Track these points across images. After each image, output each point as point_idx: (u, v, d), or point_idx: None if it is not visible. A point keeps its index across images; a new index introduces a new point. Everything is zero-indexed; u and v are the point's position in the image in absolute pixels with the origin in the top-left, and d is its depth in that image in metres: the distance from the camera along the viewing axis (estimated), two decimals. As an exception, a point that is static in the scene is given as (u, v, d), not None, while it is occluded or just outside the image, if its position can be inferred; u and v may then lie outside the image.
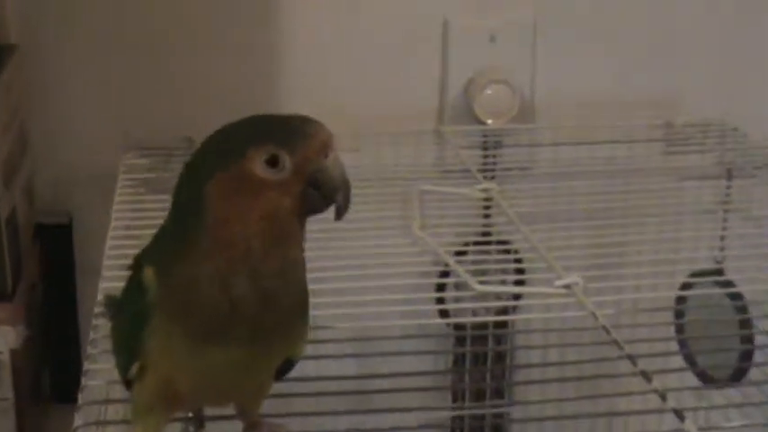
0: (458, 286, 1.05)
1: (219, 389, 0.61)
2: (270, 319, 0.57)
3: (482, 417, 1.15)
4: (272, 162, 0.55)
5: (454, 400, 1.12)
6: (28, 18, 1.10)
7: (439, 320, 1.01)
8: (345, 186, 0.57)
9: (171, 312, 0.57)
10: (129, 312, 0.60)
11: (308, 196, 0.56)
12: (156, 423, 0.61)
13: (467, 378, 1.10)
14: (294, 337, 0.60)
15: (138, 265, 0.60)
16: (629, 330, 0.79)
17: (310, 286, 0.60)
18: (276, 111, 1.11)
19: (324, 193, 0.56)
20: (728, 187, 1.07)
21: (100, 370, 0.69)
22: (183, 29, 1.12)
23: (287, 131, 0.56)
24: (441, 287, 1.08)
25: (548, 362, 0.96)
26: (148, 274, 0.58)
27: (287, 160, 0.55)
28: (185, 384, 0.59)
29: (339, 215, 0.57)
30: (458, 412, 1.12)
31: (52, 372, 1.14)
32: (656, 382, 0.68)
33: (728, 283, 0.98)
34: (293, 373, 0.65)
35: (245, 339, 0.57)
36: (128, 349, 0.60)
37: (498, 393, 1.10)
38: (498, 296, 1.00)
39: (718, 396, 1.02)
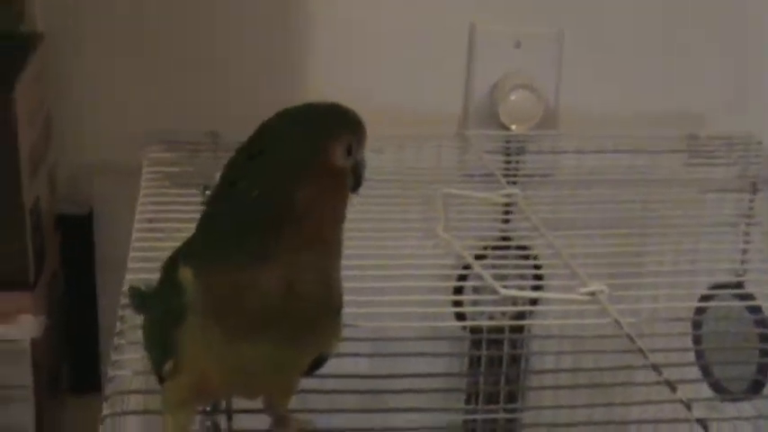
0: (476, 289, 1.05)
1: (252, 384, 0.61)
2: (323, 315, 0.58)
3: (495, 420, 1.15)
4: (349, 151, 0.57)
5: (467, 403, 1.12)
6: (55, 7, 1.10)
7: (456, 323, 1.01)
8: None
9: (213, 312, 0.57)
10: (163, 310, 0.61)
11: (355, 184, 0.59)
12: (187, 416, 0.62)
13: (481, 381, 1.10)
14: (330, 333, 0.61)
15: (172, 264, 0.60)
16: (648, 340, 0.79)
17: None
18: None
19: (360, 175, 0.59)
20: (752, 201, 1.06)
21: (126, 360, 0.69)
22: (209, 23, 1.13)
23: (355, 120, 0.58)
24: (458, 290, 1.08)
25: (561, 368, 0.96)
26: (186, 274, 0.58)
27: (355, 149, 0.57)
28: (218, 380, 0.60)
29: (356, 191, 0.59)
30: (471, 415, 1.12)
31: (70, 363, 1.15)
32: (680, 392, 0.67)
33: (748, 296, 0.97)
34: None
35: (287, 337, 0.57)
36: (161, 346, 0.61)
37: (512, 398, 1.10)
38: (515, 301, 1.00)
39: (731, 408, 1.02)
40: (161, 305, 0.62)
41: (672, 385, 0.68)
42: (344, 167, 0.57)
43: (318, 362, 0.63)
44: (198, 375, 0.59)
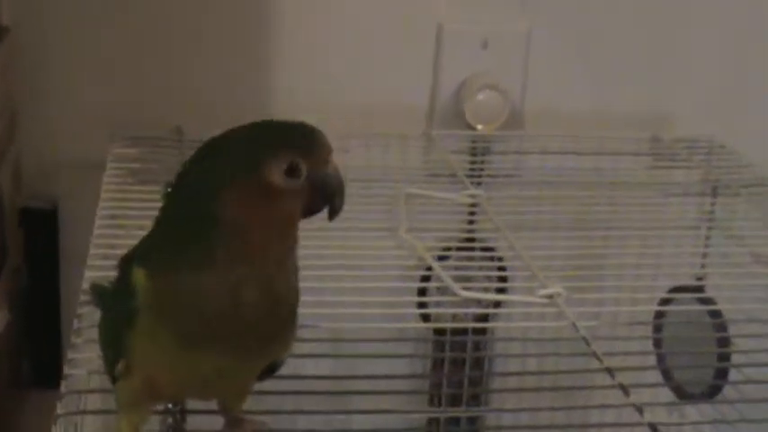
0: (439, 290, 1.06)
1: (204, 389, 0.61)
2: (271, 326, 0.58)
3: (457, 422, 1.16)
4: (291, 170, 0.56)
5: (431, 404, 1.12)
6: (20, 1, 1.10)
7: (419, 324, 1.02)
8: (342, 189, 0.58)
9: (163, 317, 0.57)
10: (117, 311, 0.61)
11: (314, 200, 0.57)
12: (140, 416, 0.62)
13: (444, 383, 1.10)
14: (283, 344, 0.61)
15: (128, 264, 0.60)
16: (607, 343, 0.79)
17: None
18: (265, 108, 1.14)
19: (325, 195, 0.57)
20: (713, 204, 1.07)
21: (82, 359, 0.69)
22: (175, 20, 1.12)
23: (303, 140, 0.57)
24: (422, 291, 1.08)
25: (526, 370, 0.97)
26: (140, 276, 0.58)
27: (304, 168, 0.56)
28: (170, 384, 0.60)
29: (333, 216, 0.59)
30: (433, 415, 1.12)
31: (32, 357, 1.14)
32: (633, 396, 0.68)
33: (708, 301, 0.98)
34: (271, 371, 0.65)
35: (234, 346, 0.57)
36: (114, 347, 0.61)
37: (475, 399, 1.11)
38: (479, 302, 1.01)
39: (692, 411, 1.03)
40: (114, 305, 0.62)
41: (625, 389, 0.68)
42: (283, 187, 0.56)
43: (271, 367, 0.63)
44: (149, 378, 0.59)
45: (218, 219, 0.56)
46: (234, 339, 0.57)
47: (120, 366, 0.60)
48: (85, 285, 0.75)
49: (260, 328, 0.57)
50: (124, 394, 0.61)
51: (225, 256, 0.56)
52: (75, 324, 0.72)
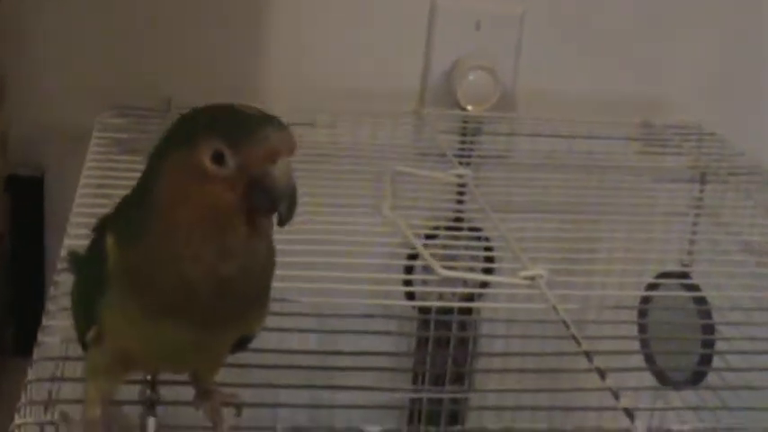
0: (425, 269, 1.05)
1: (175, 360, 0.61)
2: (223, 305, 0.57)
3: (440, 401, 1.16)
4: (217, 158, 0.55)
5: (414, 383, 1.12)
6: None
7: (404, 302, 1.02)
8: (289, 196, 0.55)
9: (127, 285, 0.57)
10: (89, 277, 0.61)
11: (254, 196, 0.55)
12: (110, 385, 0.61)
13: (428, 361, 1.10)
14: (250, 320, 0.61)
15: (102, 229, 0.60)
16: (593, 327, 0.79)
17: (277, 258, 0.60)
18: (255, 82, 1.13)
19: (268, 197, 0.55)
20: (701, 191, 1.07)
21: (58, 327, 0.69)
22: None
23: (237, 130, 0.55)
24: (409, 269, 1.08)
25: (510, 351, 0.97)
26: (110, 242, 0.58)
27: (230, 159, 0.54)
28: (139, 354, 0.59)
29: (281, 223, 0.56)
30: (416, 395, 1.12)
31: (15, 325, 1.14)
32: (612, 381, 0.68)
33: (694, 287, 0.98)
34: (254, 344, 0.65)
35: (196, 322, 0.57)
36: (85, 313, 0.60)
37: (459, 379, 1.11)
38: (465, 282, 1.01)
39: (675, 398, 1.03)
40: (87, 271, 0.61)
41: (602, 372, 0.68)
42: (209, 171, 0.54)
43: (243, 341, 0.63)
44: (119, 346, 0.59)
45: (153, 191, 0.56)
46: (184, 313, 0.56)
47: (91, 333, 0.60)
48: (64, 253, 0.75)
49: (208, 305, 0.56)
50: (94, 362, 0.61)
51: (159, 227, 0.56)
52: (52, 291, 0.72)
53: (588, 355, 0.70)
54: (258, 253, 0.57)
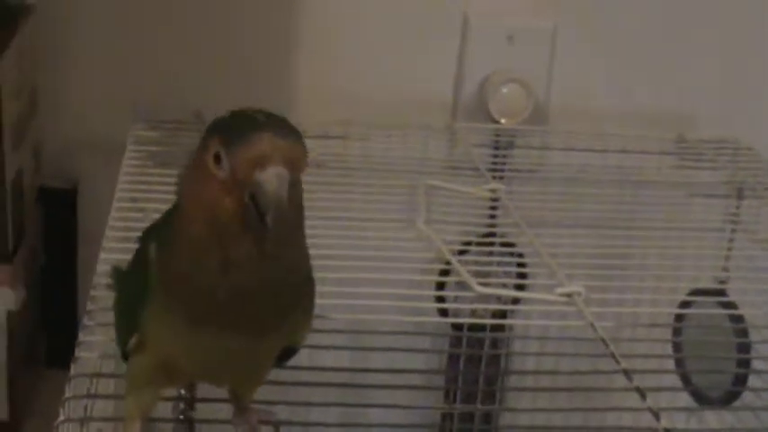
0: (458, 285, 1.05)
1: (218, 371, 0.61)
2: (243, 311, 0.55)
3: (471, 419, 1.15)
4: (216, 159, 0.53)
5: (446, 400, 1.12)
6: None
7: (437, 319, 1.01)
8: (276, 208, 0.52)
9: (163, 291, 0.57)
10: (133, 286, 0.60)
11: (246, 210, 0.53)
12: (149, 399, 0.61)
13: (460, 379, 1.09)
14: (291, 328, 0.60)
15: (145, 237, 0.60)
16: (626, 344, 0.79)
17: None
18: (286, 95, 1.13)
19: (256, 204, 0.53)
20: (738, 207, 1.06)
21: (95, 342, 0.68)
22: (203, 7, 1.12)
23: (234, 131, 0.53)
24: (441, 285, 1.08)
25: (542, 369, 0.96)
26: (151, 249, 0.58)
27: (225, 160, 0.53)
28: (182, 363, 0.59)
29: (268, 237, 0.53)
30: (448, 410, 1.12)
31: (47, 336, 1.14)
32: (650, 400, 0.67)
33: (730, 305, 0.97)
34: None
35: (224, 328, 0.56)
36: (127, 323, 0.60)
37: (490, 397, 1.10)
38: (497, 298, 1.00)
39: (709, 417, 1.02)
40: (132, 280, 0.61)
41: (642, 392, 0.67)
42: (212, 171, 0.53)
43: (288, 353, 0.63)
44: (161, 354, 0.59)
45: (179, 195, 0.57)
46: (215, 318, 0.55)
47: (133, 341, 0.59)
48: (101, 268, 0.75)
49: (228, 310, 0.55)
50: (135, 372, 0.60)
51: (177, 232, 0.56)
52: (89, 306, 0.72)
53: (627, 373, 0.69)
54: (276, 260, 0.55)
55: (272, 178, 0.52)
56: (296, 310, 0.59)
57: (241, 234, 0.53)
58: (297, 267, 0.57)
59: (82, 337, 0.69)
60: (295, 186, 0.54)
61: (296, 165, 0.53)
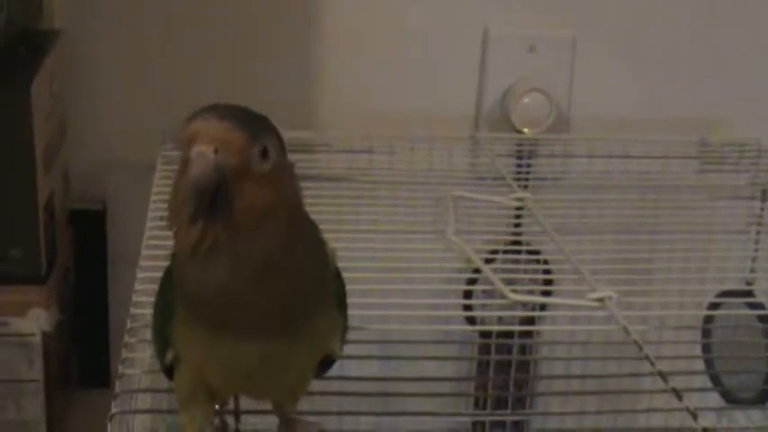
0: (485, 293, 1.06)
1: (253, 382, 0.60)
2: (242, 309, 0.55)
3: (503, 425, 1.15)
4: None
5: (476, 407, 1.12)
6: (72, 4, 1.11)
7: (465, 327, 1.02)
8: (191, 185, 0.52)
9: (182, 299, 0.57)
10: (161, 300, 0.61)
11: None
12: (200, 413, 0.61)
13: (490, 385, 1.10)
14: (319, 333, 0.59)
15: (173, 254, 0.61)
16: (656, 347, 0.79)
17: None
18: (312, 111, 1.14)
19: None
20: (762, 209, 1.06)
21: (137, 359, 0.70)
22: (226, 23, 1.13)
23: (188, 116, 0.54)
24: (467, 293, 1.08)
25: (572, 373, 0.96)
26: (172, 262, 0.58)
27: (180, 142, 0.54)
28: (214, 374, 0.59)
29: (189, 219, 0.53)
30: (479, 418, 1.12)
31: (80, 356, 1.16)
32: (685, 401, 0.68)
33: (758, 305, 0.97)
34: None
35: (239, 329, 0.56)
36: (161, 337, 0.61)
37: (520, 402, 1.10)
38: (525, 305, 1.01)
39: (741, 417, 1.02)
40: (159, 294, 0.62)
41: (678, 393, 0.68)
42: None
43: (326, 363, 0.63)
44: (194, 367, 0.59)
45: None
46: (208, 319, 0.55)
47: (168, 356, 0.60)
48: (139, 286, 0.76)
49: (220, 310, 0.55)
50: (180, 388, 0.61)
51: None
52: (129, 324, 0.73)
53: (663, 375, 0.69)
54: (247, 248, 0.54)
55: (195, 160, 0.52)
56: (310, 309, 0.58)
57: (196, 221, 0.53)
58: (282, 261, 0.55)
59: (125, 353, 0.70)
60: (273, 173, 0.54)
61: (228, 146, 0.53)
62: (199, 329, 0.57)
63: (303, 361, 0.61)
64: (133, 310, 0.74)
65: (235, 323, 0.56)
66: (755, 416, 0.98)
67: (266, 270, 0.54)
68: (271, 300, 0.55)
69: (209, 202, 0.52)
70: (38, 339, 0.99)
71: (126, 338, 0.71)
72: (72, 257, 1.13)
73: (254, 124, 0.54)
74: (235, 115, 0.54)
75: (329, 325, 0.61)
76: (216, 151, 0.52)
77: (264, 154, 0.54)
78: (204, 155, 0.52)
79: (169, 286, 0.59)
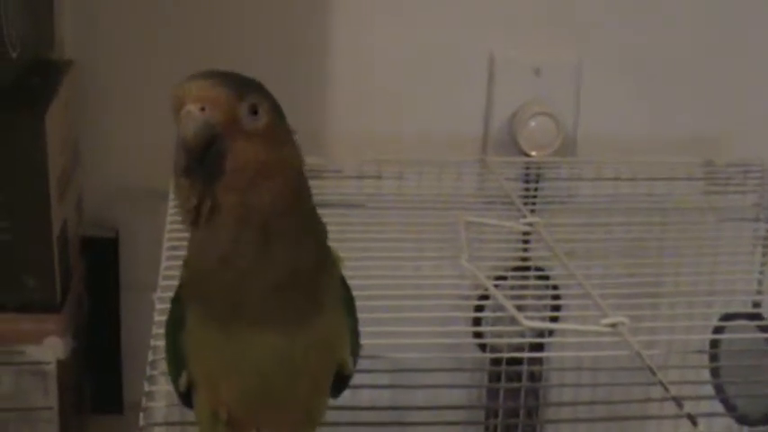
0: (495, 319, 1.06)
1: (266, 393, 0.59)
2: (251, 284, 0.55)
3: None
4: None
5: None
6: (84, 35, 1.12)
7: (478, 354, 1.02)
8: (181, 146, 0.54)
9: (190, 295, 0.57)
10: (173, 317, 0.61)
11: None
12: None
13: (500, 412, 1.10)
14: (326, 334, 0.58)
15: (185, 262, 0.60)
16: (665, 371, 0.79)
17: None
18: (318, 133, 1.15)
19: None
20: (768, 230, 1.07)
21: (159, 392, 0.70)
22: (238, 52, 1.14)
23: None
24: (476, 319, 1.09)
25: (581, 400, 0.97)
26: (183, 274, 0.59)
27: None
28: (228, 386, 0.58)
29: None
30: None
31: (93, 384, 1.16)
32: (701, 426, 0.68)
33: (766, 328, 0.98)
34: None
35: (247, 316, 0.55)
36: (174, 356, 0.61)
37: (531, 429, 1.11)
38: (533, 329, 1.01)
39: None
40: (171, 311, 0.61)
41: (693, 419, 0.68)
42: None
43: (340, 383, 0.62)
44: (211, 387, 0.59)
45: None
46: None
47: (182, 380, 0.60)
48: (157, 318, 0.76)
49: (223, 296, 0.55)
50: (200, 418, 0.61)
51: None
52: (150, 356, 0.73)
53: (677, 400, 0.70)
54: (250, 215, 0.54)
55: (183, 119, 0.54)
56: (318, 298, 0.57)
57: (192, 195, 0.54)
58: (281, 226, 0.55)
59: (147, 386, 0.70)
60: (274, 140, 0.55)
61: (215, 103, 0.54)
62: (209, 328, 0.56)
63: (316, 366, 0.59)
64: (153, 342, 0.74)
65: (242, 306, 0.55)
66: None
67: (265, 234, 0.54)
68: (273, 269, 0.55)
69: (202, 161, 0.54)
70: (53, 367, 1.00)
71: (148, 371, 0.71)
72: (85, 284, 1.13)
73: (242, 83, 0.56)
74: (221, 74, 0.55)
75: (339, 326, 0.60)
76: (203, 109, 0.54)
77: (254, 111, 0.55)
78: (191, 113, 0.53)
79: (178, 301, 0.59)
